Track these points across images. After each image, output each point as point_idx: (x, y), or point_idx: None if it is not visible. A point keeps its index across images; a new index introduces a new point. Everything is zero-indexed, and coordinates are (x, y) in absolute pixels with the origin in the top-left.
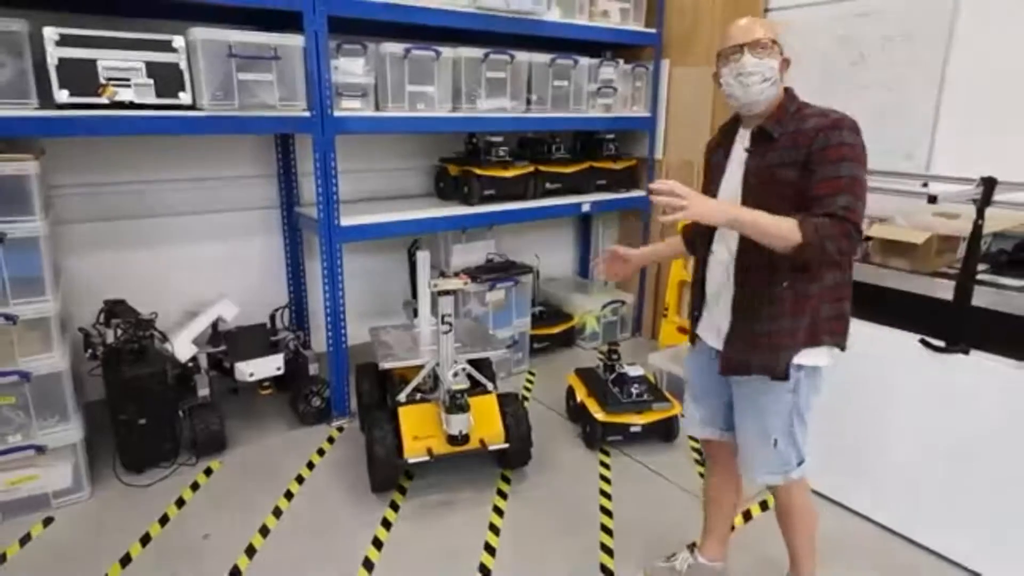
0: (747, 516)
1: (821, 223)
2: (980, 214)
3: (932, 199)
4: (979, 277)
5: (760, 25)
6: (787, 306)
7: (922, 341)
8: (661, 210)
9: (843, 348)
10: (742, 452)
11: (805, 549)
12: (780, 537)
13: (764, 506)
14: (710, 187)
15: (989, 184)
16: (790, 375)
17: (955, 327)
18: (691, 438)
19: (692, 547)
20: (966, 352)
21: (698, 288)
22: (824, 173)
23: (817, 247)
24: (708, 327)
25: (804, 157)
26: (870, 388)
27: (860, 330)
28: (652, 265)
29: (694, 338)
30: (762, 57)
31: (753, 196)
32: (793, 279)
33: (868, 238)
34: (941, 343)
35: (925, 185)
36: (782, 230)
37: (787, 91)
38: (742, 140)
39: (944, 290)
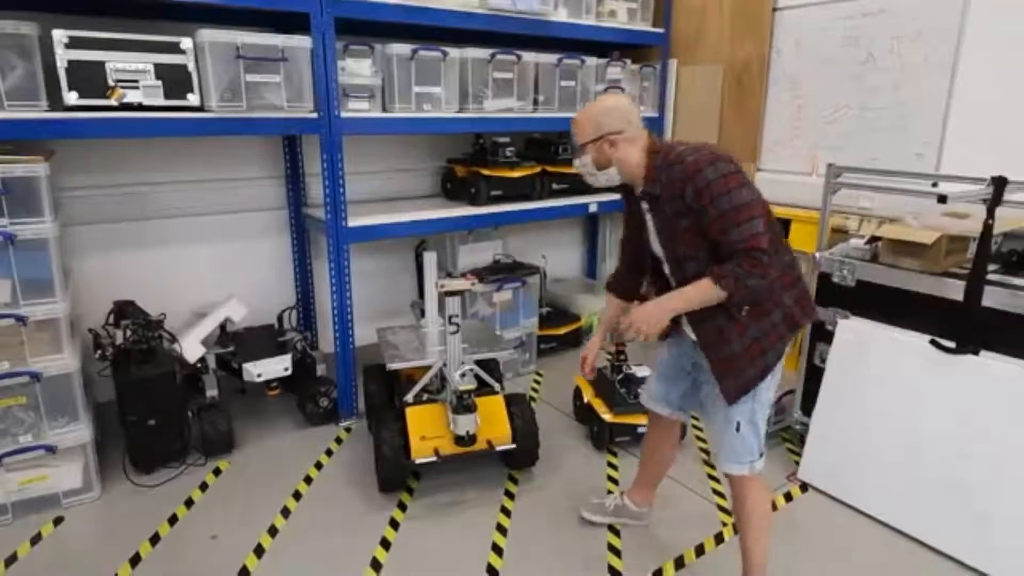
0: None
1: (732, 271)
2: (990, 214)
3: (942, 199)
4: (989, 277)
5: (576, 124)
6: (746, 318)
7: (932, 342)
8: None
9: (815, 319)
10: (709, 438)
11: (759, 545)
12: (782, 552)
13: (772, 506)
14: (638, 235)
15: (999, 184)
16: None
17: (965, 328)
18: (698, 439)
19: (623, 493)
20: (976, 353)
21: None
22: (709, 217)
23: (742, 291)
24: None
25: (685, 207)
26: (880, 388)
27: (870, 330)
28: None
29: (667, 334)
30: (580, 156)
31: (671, 246)
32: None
33: (878, 238)
34: (951, 344)
35: (935, 185)
36: (709, 296)
37: (650, 144)
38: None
39: (954, 290)
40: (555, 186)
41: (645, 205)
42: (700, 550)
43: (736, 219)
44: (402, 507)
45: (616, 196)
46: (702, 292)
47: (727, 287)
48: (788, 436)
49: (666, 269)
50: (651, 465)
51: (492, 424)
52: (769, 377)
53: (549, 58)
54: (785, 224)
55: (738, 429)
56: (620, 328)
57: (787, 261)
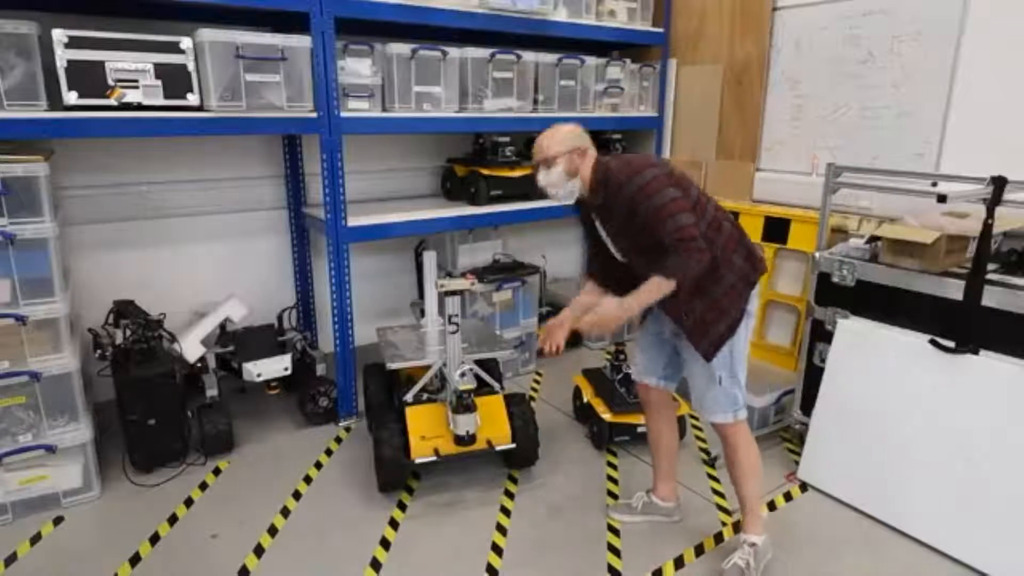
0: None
1: (672, 263)
2: (990, 213)
3: (942, 198)
4: (989, 277)
5: (546, 141)
6: (706, 285)
7: (932, 341)
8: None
9: (763, 271)
10: (695, 396)
11: (754, 492)
12: (781, 552)
13: (772, 506)
14: (596, 242)
15: (999, 183)
16: None
17: (965, 327)
18: (698, 439)
19: (648, 491)
20: (976, 352)
21: None
22: (647, 219)
23: (690, 277)
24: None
25: (628, 212)
26: (879, 388)
27: (870, 330)
28: None
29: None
30: (550, 168)
31: (625, 248)
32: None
33: (877, 238)
34: (951, 343)
35: (934, 184)
36: (661, 290)
37: (595, 163)
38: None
39: (954, 290)
40: None
41: (594, 214)
42: (700, 550)
43: (665, 214)
44: (402, 507)
45: None
46: (654, 289)
47: (675, 279)
48: (788, 436)
49: (626, 261)
50: (660, 455)
51: (492, 424)
52: (741, 328)
53: (549, 58)
54: (784, 224)
55: (720, 382)
56: (586, 320)
57: (727, 229)
